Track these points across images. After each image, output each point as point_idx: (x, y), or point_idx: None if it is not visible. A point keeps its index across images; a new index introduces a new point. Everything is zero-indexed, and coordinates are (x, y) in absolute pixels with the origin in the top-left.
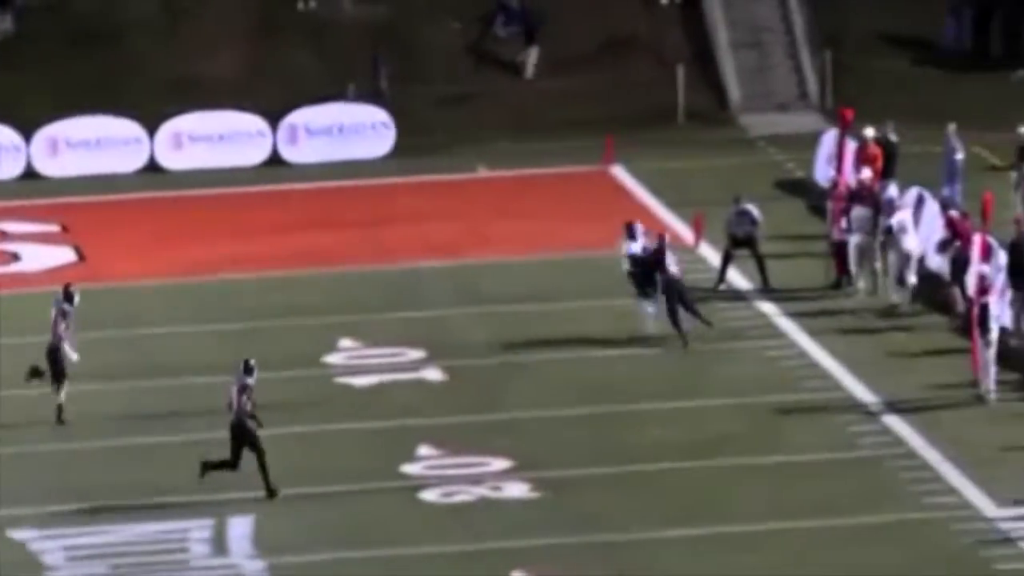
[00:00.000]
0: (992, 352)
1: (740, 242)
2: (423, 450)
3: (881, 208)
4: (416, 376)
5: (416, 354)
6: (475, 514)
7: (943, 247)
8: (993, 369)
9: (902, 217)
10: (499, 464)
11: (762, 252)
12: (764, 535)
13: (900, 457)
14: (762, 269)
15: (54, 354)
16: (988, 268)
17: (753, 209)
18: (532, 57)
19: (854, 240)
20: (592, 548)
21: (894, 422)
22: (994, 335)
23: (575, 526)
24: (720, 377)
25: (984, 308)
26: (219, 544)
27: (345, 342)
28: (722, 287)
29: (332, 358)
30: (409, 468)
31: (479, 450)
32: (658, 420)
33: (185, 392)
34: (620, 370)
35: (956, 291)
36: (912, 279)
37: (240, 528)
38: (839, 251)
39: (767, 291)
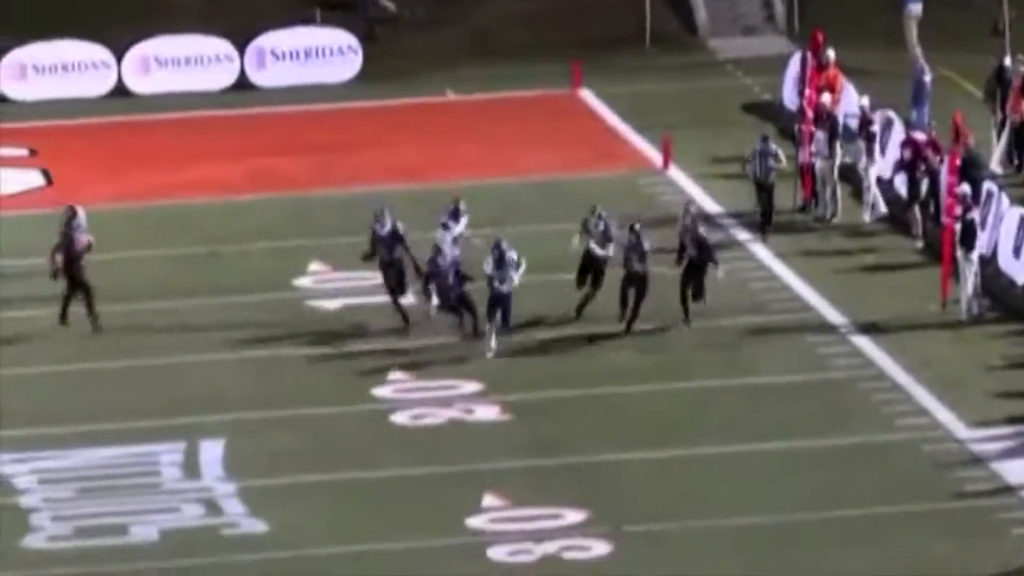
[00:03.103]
0: (975, 268)
1: (760, 184)
2: (393, 374)
3: (836, 132)
4: (386, 299)
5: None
6: (445, 437)
7: (900, 167)
8: (972, 284)
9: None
10: (469, 387)
11: (774, 202)
12: (733, 457)
13: (870, 379)
14: (767, 217)
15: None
16: (967, 186)
17: (778, 150)
18: None
19: (817, 164)
20: (560, 471)
21: (863, 343)
22: (976, 254)
23: (544, 449)
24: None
25: (971, 224)
26: (190, 467)
27: (314, 265)
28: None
29: (301, 281)
30: (379, 391)
31: (448, 374)
32: (626, 343)
33: (153, 316)
34: (598, 296)
35: (915, 212)
36: (882, 207)
37: (211, 451)
38: (806, 174)
39: (764, 240)
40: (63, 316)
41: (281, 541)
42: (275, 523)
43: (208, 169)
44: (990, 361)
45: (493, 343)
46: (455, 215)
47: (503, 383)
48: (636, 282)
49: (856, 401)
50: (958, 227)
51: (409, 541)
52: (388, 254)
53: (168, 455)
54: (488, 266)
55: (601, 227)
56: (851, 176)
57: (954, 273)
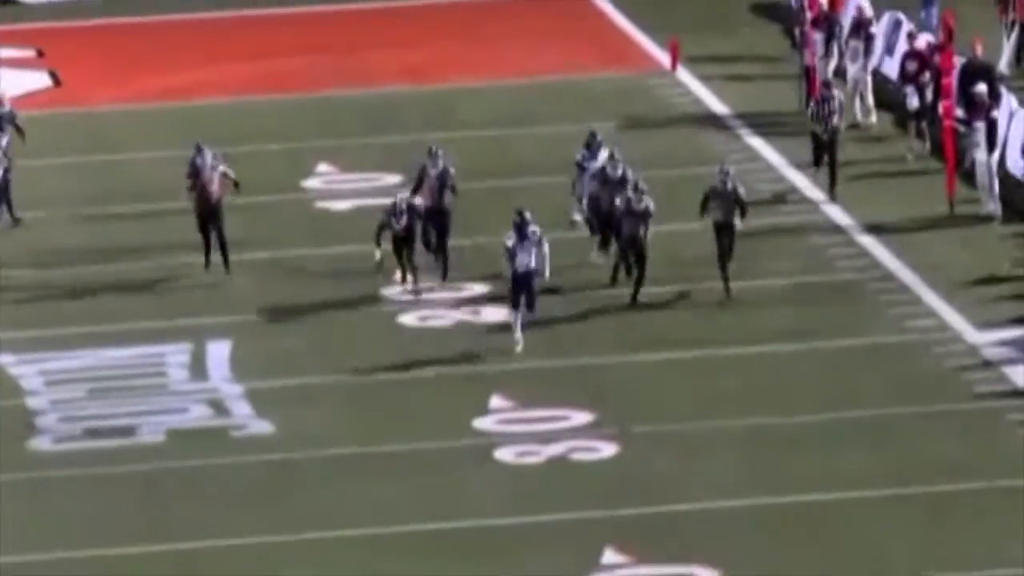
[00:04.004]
0: (994, 168)
1: (818, 139)
2: (400, 275)
3: (834, 33)
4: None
5: (392, 179)
6: (452, 339)
7: (905, 79)
8: (996, 185)
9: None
10: (476, 289)
11: (838, 155)
12: (742, 359)
13: (879, 280)
14: (834, 173)
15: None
16: (982, 87)
17: (839, 95)
18: None
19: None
20: (568, 372)
21: (872, 245)
22: (996, 154)
23: (552, 350)
24: (696, 202)
25: (993, 124)
26: (197, 368)
27: (322, 167)
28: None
29: (310, 183)
30: (387, 292)
31: (456, 277)
32: None
33: (160, 218)
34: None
35: (921, 126)
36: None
37: (218, 352)
38: (809, 76)
39: (831, 199)
40: (207, 261)
41: (288, 442)
42: (282, 424)
43: (218, 70)
44: (998, 263)
45: (519, 334)
46: (592, 149)
47: (508, 286)
48: (635, 252)
49: (865, 303)
50: (982, 127)
51: (416, 442)
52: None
53: (175, 356)
54: (509, 239)
55: (619, 171)
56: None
57: (961, 175)
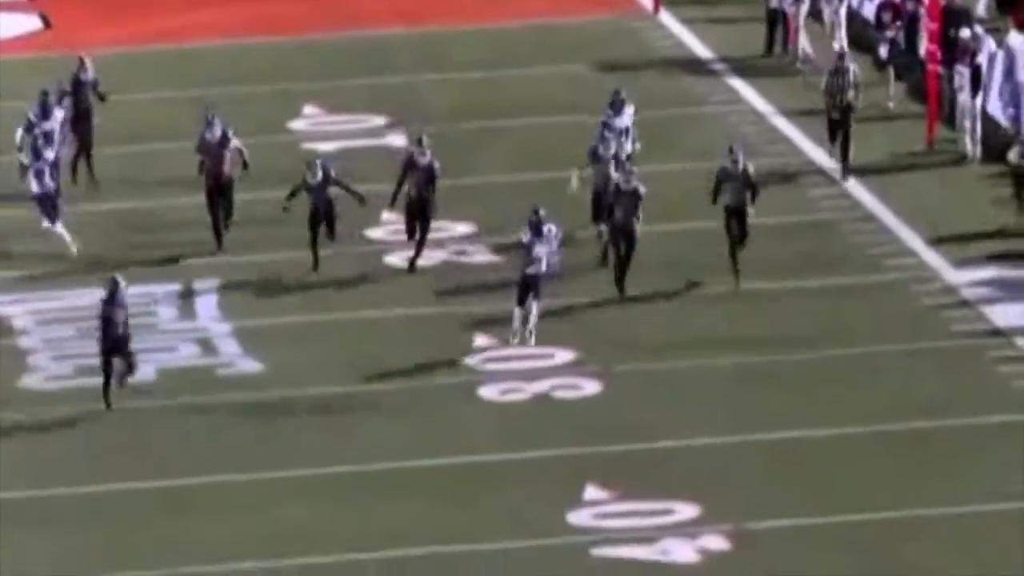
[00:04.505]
0: (978, 112)
1: (834, 110)
2: (386, 215)
3: None
4: (380, 142)
5: (378, 120)
6: (438, 278)
7: (881, 27)
8: (979, 128)
9: None
10: (462, 228)
11: (852, 128)
12: (724, 297)
13: (859, 220)
14: (845, 150)
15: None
16: (967, 32)
17: (856, 69)
18: None
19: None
20: (552, 311)
21: (851, 186)
22: (980, 98)
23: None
24: (683, 143)
25: (978, 69)
26: (186, 308)
27: (309, 108)
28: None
29: (297, 124)
30: (374, 233)
31: (442, 216)
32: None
33: (151, 158)
34: (586, 136)
35: (889, 73)
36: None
37: (206, 292)
38: (783, 20)
39: (844, 175)
40: (219, 241)
41: (275, 380)
42: (269, 362)
43: (208, 12)
44: (977, 203)
45: (517, 325)
46: (616, 107)
47: (494, 227)
48: (625, 235)
49: (845, 242)
50: (967, 71)
51: (402, 381)
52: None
53: (163, 295)
54: (525, 234)
55: (612, 150)
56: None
57: (942, 117)
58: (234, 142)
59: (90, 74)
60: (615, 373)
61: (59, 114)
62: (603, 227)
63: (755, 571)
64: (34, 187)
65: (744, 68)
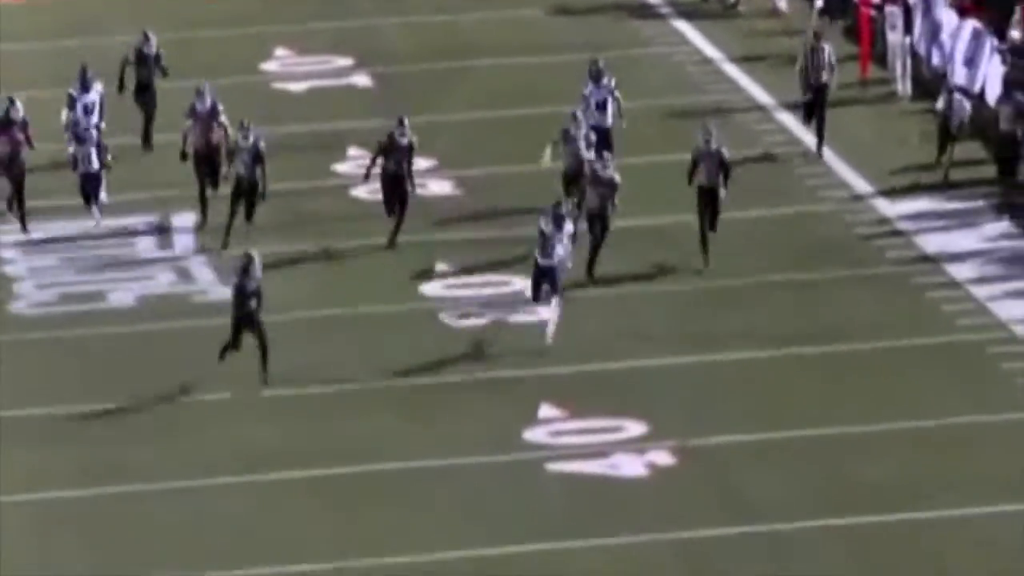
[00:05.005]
0: (907, 50)
1: (811, 89)
2: (352, 151)
3: None
4: (346, 82)
5: (344, 61)
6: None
7: None
8: (909, 65)
9: None
10: (424, 163)
11: (827, 110)
12: (671, 227)
13: (797, 154)
14: (821, 129)
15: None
16: None
17: (831, 50)
18: None
19: None
20: (508, 241)
21: (789, 121)
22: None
23: (493, 221)
24: (630, 81)
25: (908, 7)
26: (164, 238)
27: (280, 50)
28: None
29: (268, 65)
30: (341, 167)
31: None
32: None
33: (127, 100)
34: (542, 76)
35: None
36: None
37: (183, 223)
38: None
39: (819, 151)
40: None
41: None
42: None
43: None
44: (908, 137)
45: (543, 314)
46: (595, 77)
47: (457, 159)
48: (600, 221)
49: (781, 174)
50: (898, 11)
51: (365, 307)
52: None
53: (142, 226)
54: (546, 223)
55: (583, 130)
56: None
57: (875, 56)
58: (222, 119)
59: (153, 47)
60: (568, 298)
61: (99, 87)
62: (575, 210)
63: (700, 484)
64: (80, 167)
65: (689, 11)
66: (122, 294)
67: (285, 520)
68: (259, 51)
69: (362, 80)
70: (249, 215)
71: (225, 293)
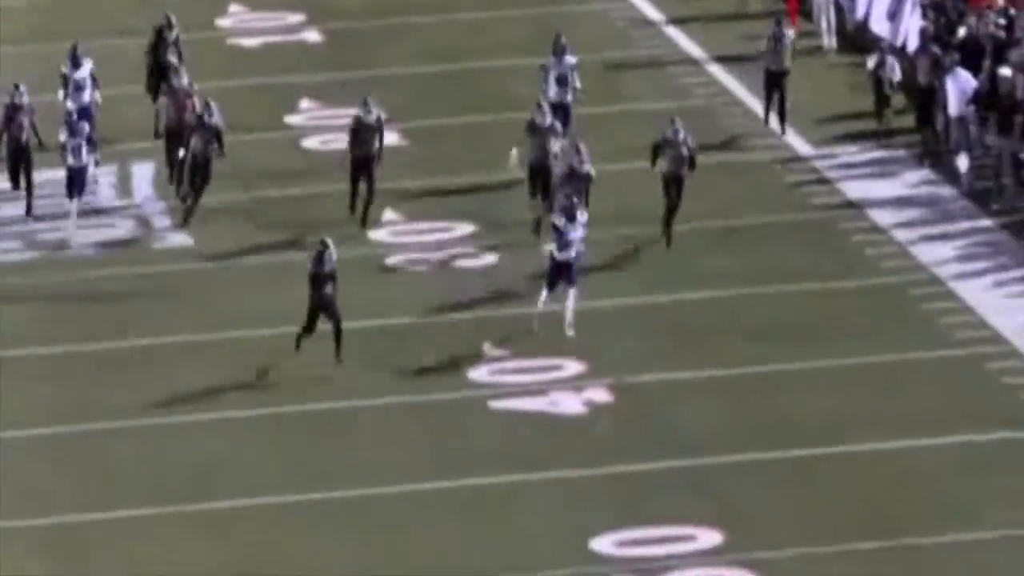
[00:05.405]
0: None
1: (773, 76)
2: (304, 103)
3: None
4: (298, 38)
5: (296, 18)
6: (338, 159)
7: None
8: (834, 20)
9: None
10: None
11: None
12: (608, 175)
13: (727, 104)
14: (782, 113)
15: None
16: None
17: (791, 34)
18: None
19: None
20: (453, 190)
21: (719, 74)
22: None
23: (439, 169)
24: (567, 36)
25: None
26: (123, 187)
27: (233, 7)
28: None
29: (223, 21)
30: (291, 119)
31: (354, 104)
32: (517, 73)
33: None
34: (485, 32)
35: None
36: None
37: (142, 173)
38: None
39: (782, 130)
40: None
41: (203, 253)
42: (198, 237)
43: None
44: (834, 89)
45: (541, 307)
46: (558, 52)
47: (405, 111)
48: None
49: (712, 125)
50: None
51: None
52: None
53: (103, 176)
54: (560, 218)
55: (548, 119)
56: None
57: (802, 11)
58: (196, 96)
59: (174, 34)
60: (509, 245)
61: (88, 64)
62: (540, 201)
63: (635, 419)
64: (69, 160)
65: None
66: (83, 241)
67: (243, 456)
68: (215, 8)
69: (313, 36)
70: (198, 192)
71: (182, 239)
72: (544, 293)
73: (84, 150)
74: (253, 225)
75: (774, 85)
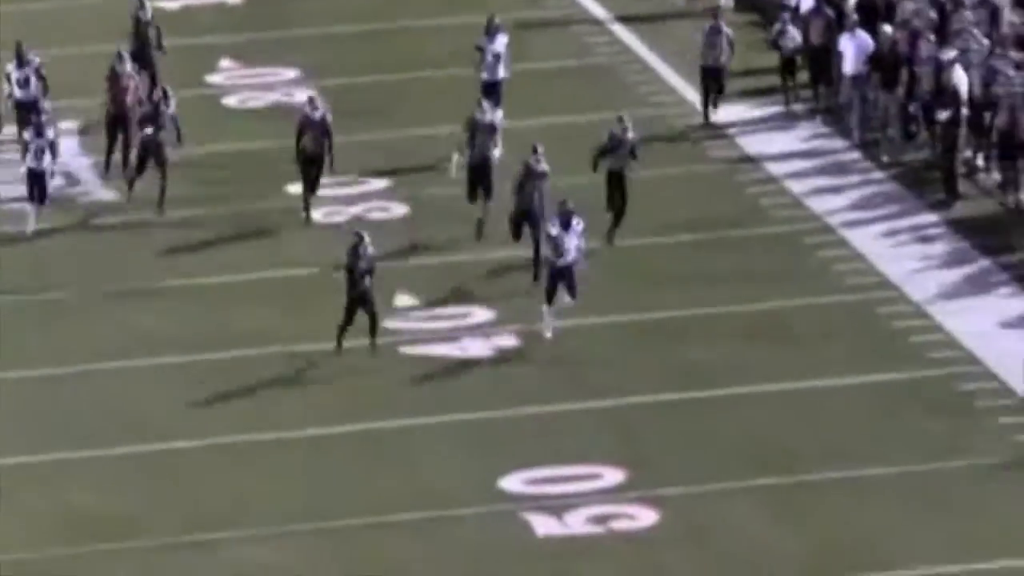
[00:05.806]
0: None
1: (709, 71)
2: (224, 63)
3: None
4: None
5: None
6: (271, 116)
7: None
8: None
9: None
10: (288, 74)
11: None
12: (512, 132)
13: (628, 63)
14: (715, 102)
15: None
16: None
17: (728, 31)
18: None
19: None
20: (369, 143)
21: (623, 34)
22: None
23: (355, 126)
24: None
25: None
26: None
27: None
28: None
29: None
30: (212, 79)
31: (272, 63)
32: (431, 33)
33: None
34: None
35: None
36: None
37: (69, 131)
38: None
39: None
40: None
41: (126, 206)
42: (122, 192)
43: None
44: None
45: (549, 320)
46: (491, 32)
47: (321, 70)
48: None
49: (616, 83)
50: None
51: (240, 204)
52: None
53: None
54: (554, 227)
55: (488, 117)
56: None
57: None
58: (136, 80)
59: (148, 13)
60: (421, 198)
61: (35, 60)
62: (482, 204)
63: (539, 361)
64: (29, 162)
65: None
66: (11, 194)
67: (167, 401)
68: None
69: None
70: (164, 176)
71: (108, 194)
72: (544, 308)
73: (47, 153)
74: (183, 179)
75: (711, 83)
